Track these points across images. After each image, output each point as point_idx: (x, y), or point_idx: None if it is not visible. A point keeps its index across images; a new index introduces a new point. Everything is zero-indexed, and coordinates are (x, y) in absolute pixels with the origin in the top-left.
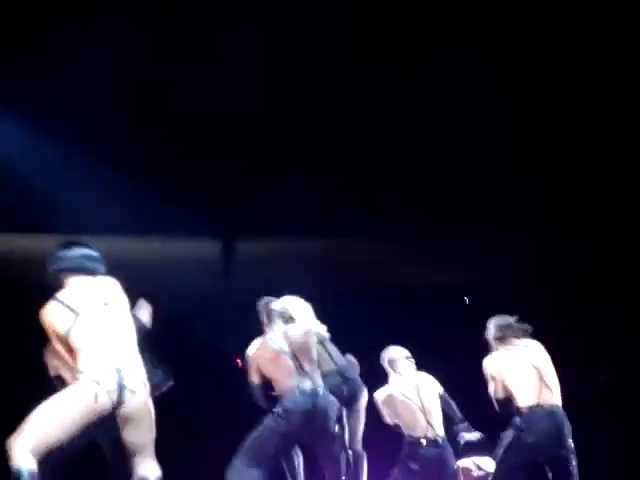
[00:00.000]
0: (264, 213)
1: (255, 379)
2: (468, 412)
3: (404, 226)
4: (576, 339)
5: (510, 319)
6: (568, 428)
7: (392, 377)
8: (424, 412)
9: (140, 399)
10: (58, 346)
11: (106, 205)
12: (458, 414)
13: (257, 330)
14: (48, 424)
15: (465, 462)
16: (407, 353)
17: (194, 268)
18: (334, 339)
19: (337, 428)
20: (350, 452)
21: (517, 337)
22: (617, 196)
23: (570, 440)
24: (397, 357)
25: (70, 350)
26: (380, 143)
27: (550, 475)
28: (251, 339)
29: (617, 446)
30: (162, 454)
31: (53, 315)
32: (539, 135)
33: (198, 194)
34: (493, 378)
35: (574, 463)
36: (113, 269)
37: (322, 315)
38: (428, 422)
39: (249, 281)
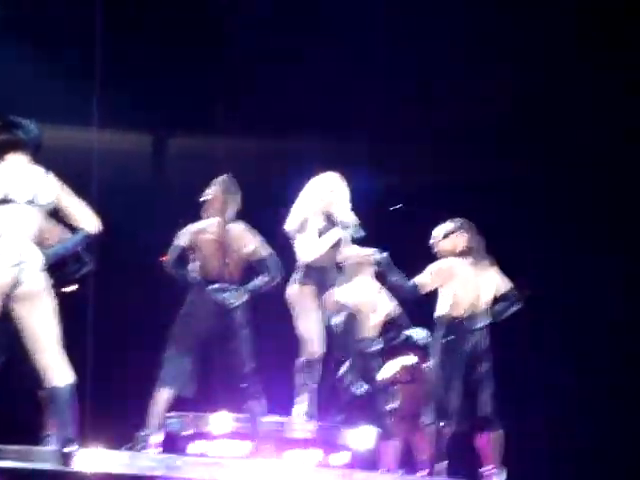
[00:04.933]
0: (198, 109)
1: (183, 242)
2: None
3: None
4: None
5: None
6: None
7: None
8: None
9: (40, 283)
10: None
11: (39, 92)
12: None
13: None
14: None
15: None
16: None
17: (125, 160)
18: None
19: (245, 328)
20: None
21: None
22: None
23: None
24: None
25: None
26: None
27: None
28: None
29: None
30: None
31: None
32: None
33: (133, 87)
34: (438, 274)
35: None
36: (43, 157)
37: (255, 213)
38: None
39: (179, 176)
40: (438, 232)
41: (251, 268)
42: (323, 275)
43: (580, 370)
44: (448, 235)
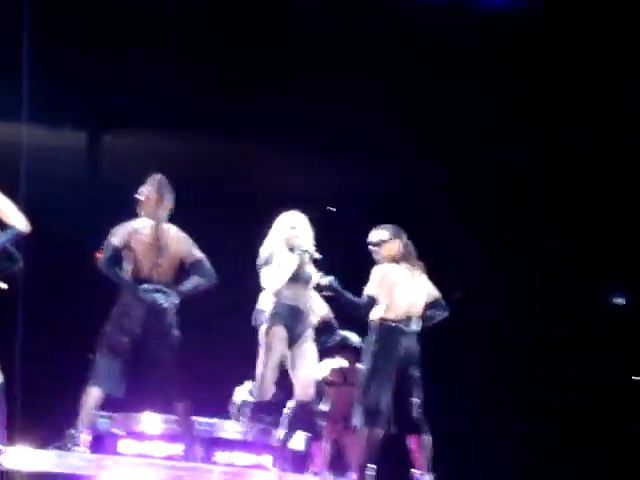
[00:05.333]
0: (133, 105)
1: (117, 242)
2: None
3: (278, 128)
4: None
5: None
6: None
7: None
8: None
9: None
10: None
11: None
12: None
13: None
14: None
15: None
16: None
17: (60, 157)
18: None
19: (175, 331)
20: None
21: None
22: None
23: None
24: None
25: None
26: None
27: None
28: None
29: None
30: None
31: None
32: None
33: (68, 83)
34: (383, 282)
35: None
36: None
37: (182, 214)
38: None
39: (114, 173)
40: (374, 238)
41: (184, 270)
42: (293, 315)
43: (510, 378)
44: (385, 241)
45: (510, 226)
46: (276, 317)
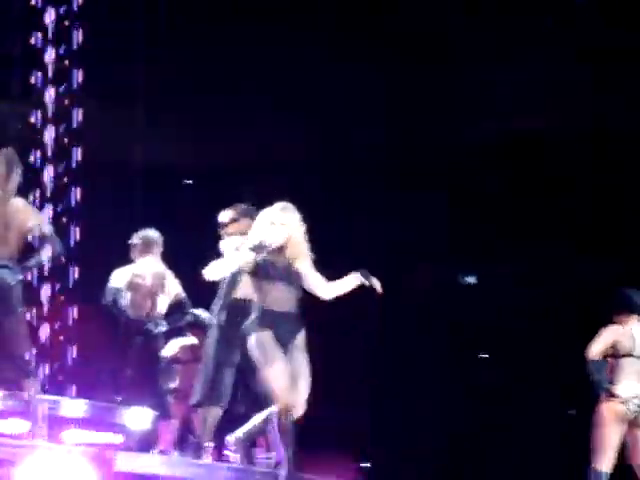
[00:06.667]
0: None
1: None
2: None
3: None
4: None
5: None
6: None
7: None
8: (151, 298)
9: None
10: None
11: None
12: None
13: None
14: None
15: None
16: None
17: None
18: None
19: (22, 306)
20: None
21: None
22: None
23: None
24: (153, 240)
25: None
26: None
27: None
28: None
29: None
30: None
31: None
32: None
33: None
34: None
35: None
36: None
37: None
38: (151, 309)
39: None
40: (224, 217)
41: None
42: (282, 323)
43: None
44: (236, 219)
45: (368, 208)
46: (263, 323)
